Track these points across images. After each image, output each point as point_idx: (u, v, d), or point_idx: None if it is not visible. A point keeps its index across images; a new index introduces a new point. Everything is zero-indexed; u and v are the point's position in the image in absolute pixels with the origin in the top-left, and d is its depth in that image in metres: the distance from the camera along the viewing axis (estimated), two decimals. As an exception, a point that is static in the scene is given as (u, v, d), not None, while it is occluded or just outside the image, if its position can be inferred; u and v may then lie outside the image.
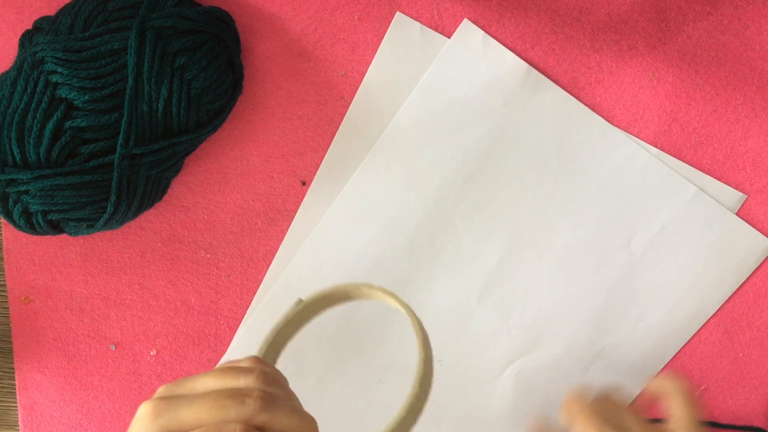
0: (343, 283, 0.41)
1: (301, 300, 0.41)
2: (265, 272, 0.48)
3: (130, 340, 0.49)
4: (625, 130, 0.46)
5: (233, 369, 0.34)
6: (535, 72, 0.45)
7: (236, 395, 0.32)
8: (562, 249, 0.47)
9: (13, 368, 0.50)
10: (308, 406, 0.51)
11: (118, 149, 0.39)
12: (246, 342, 0.49)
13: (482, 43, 0.45)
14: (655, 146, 0.46)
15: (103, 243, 0.48)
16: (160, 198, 0.45)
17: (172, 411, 0.32)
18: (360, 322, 0.49)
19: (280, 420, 0.32)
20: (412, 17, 0.45)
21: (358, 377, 0.50)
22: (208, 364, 0.50)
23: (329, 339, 0.49)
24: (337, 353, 0.50)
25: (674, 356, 0.49)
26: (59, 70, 0.38)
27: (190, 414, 0.31)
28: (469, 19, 0.45)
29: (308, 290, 0.49)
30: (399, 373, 0.50)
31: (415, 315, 0.38)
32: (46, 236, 0.47)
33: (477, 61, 0.45)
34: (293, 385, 0.50)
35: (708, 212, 0.46)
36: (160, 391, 0.33)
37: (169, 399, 0.33)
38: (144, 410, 0.32)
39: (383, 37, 0.45)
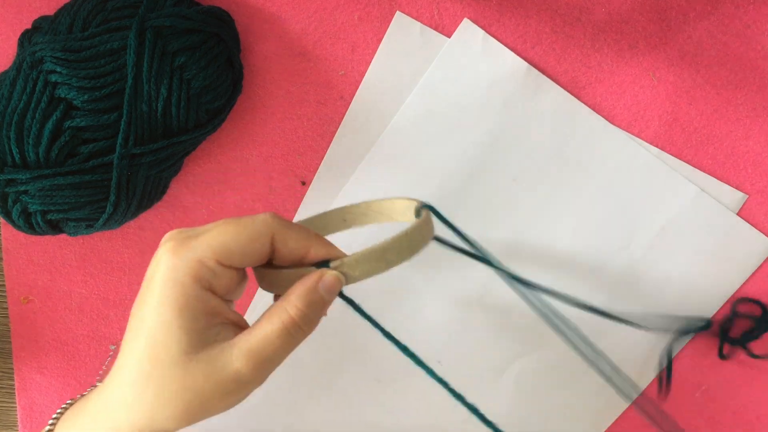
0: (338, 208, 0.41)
1: None
2: (265, 272, 0.48)
3: (130, 340, 0.49)
4: (625, 130, 0.46)
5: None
6: (535, 72, 0.45)
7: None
8: (563, 249, 0.47)
9: (13, 368, 0.50)
10: (307, 406, 0.51)
11: (118, 149, 0.39)
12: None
13: (482, 43, 0.45)
14: (656, 146, 0.46)
15: (102, 243, 0.48)
16: (160, 198, 0.45)
17: (194, 230, 0.32)
18: (360, 322, 0.49)
19: (292, 232, 0.32)
20: (412, 17, 0.45)
21: (357, 377, 0.50)
22: (207, 365, 0.49)
23: (328, 338, 0.49)
24: (336, 353, 0.50)
25: (675, 356, 0.49)
26: (58, 69, 0.38)
27: (213, 226, 0.31)
28: (470, 18, 0.44)
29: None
30: (399, 373, 0.50)
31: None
32: (45, 236, 0.47)
33: (477, 60, 0.45)
34: (291, 386, 0.50)
35: (709, 212, 0.46)
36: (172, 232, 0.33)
37: (188, 228, 0.33)
38: (168, 235, 0.32)
39: (383, 37, 0.45)
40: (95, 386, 0.36)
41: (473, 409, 0.33)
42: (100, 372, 0.47)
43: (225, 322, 0.31)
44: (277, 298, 0.35)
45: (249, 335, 0.31)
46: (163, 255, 0.31)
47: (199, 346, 0.30)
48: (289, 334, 0.31)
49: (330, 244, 0.33)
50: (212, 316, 0.31)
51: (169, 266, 0.30)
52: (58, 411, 0.35)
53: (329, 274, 0.32)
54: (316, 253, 0.32)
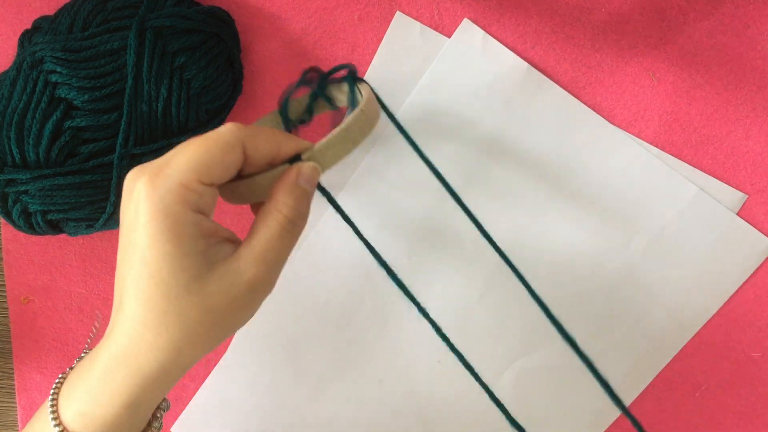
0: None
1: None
2: (265, 272, 0.48)
3: (130, 340, 0.49)
4: (625, 130, 0.46)
5: None
6: (535, 72, 0.45)
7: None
8: (563, 249, 0.47)
9: (13, 369, 0.50)
10: (308, 407, 0.51)
11: (118, 149, 0.39)
12: (246, 343, 0.49)
13: (482, 43, 0.45)
14: (656, 146, 0.46)
15: (102, 243, 0.48)
16: (160, 198, 0.45)
17: (158, 161, 0.31)
18: (360, 322, 0.49)
19: (261, 134, 0.32)
20: (412, 17, 0.45)
21: (358, 378, 0.50)
22: (207, 364, 0.49)
23: (329, 339, 0.49)
24: (337, 354, 0.50)
25: (674, 356, 0.49)
26: (58, 69, 0.38)
27: (180, 149, 0.31)
28: (470, 18, 0.44)
29: (309, 294, 0.49)
30: (399, 373, 0.50)
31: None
32: (45, 236, 0.47)
33: (477, 60, 0.45)
34: (292, 386, 0.50)
35: (709, 212, 0.46)
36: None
37: (150, 162, 0.31)
38: (134, 174, 0.31)
39: (383, 37, 0.45)
40: (82, 357, 0.34)
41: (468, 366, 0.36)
42: (88, 341, 0.47)
43: (220, 240, 0.31)
44: (254, 208, 0.35)
45: (251, 244, 0.31)
46: (141, 191, 0.29)
47: (207, 268, 0.30)
48: (288, 232, 0.31)
49: (297, 138, 0.33)
50: (209, 236, 0.30)
51: (152, 200, 0.29)
52: (56, 383, 0.34)
53: (306, 166, 0.32)
54: (287, 149, 0.32)
